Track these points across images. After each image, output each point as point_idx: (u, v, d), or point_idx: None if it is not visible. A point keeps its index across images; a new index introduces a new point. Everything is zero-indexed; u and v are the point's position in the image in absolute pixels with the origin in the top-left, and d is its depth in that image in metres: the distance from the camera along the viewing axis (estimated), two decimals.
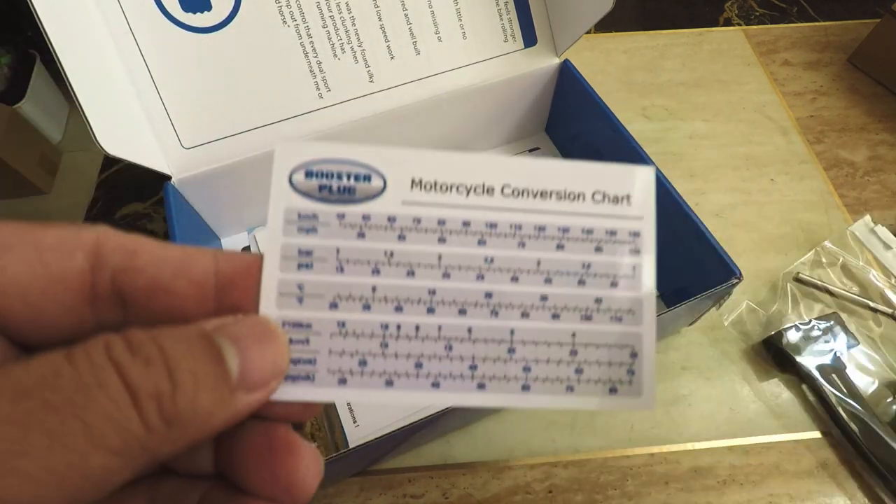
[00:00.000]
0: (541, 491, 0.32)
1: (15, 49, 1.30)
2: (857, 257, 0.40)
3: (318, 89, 0.34)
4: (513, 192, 0.15)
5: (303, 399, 0.14)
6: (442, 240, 0.15)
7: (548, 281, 0.15)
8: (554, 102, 0.41)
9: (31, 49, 1.32)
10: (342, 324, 0.14)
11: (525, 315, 0.15)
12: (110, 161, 0.46)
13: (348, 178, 0.15)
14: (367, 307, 0.15)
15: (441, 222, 0.15)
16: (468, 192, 0.15)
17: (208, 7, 0.30)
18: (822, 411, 0.33)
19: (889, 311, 0.37)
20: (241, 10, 0.31)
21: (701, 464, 0.33)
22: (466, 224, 0.15)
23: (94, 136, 0.25)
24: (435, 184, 0.15)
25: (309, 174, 0.15)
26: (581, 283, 0.15)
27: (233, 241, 0.39)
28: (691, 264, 0.31)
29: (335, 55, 0.33)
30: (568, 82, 0.39)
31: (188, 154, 0.32)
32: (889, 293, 0.38)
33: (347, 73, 0.34)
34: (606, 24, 0.54)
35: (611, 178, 0.16)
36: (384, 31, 0.34)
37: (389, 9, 0.33)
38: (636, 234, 0.16)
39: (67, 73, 0.24)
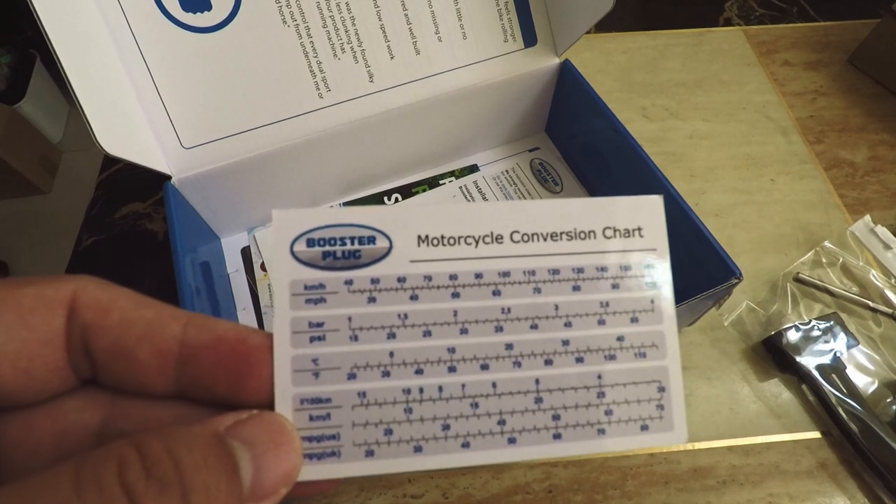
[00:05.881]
0: (541, 491, 0.32)
1: (15, 49, 1.30)
2: (856, 257, 0.40)
3: (318, 89, 0.34)
4: (522, 237, 0.15)
5: (330, 477, 0.14)
6: (455, 295, 0.15)
7: (567, 325, 0.15)
8: (554, 102, 0.41)
9: (31, 49, 1.33)
10: (363, 394, 0.14)
11: (548, 362, 0.15)
12: (110, 161, 0.46)
13: (352, 241, 0.14)
14: (386, 374, 0.14)
15: (453, 277, 0.15)
16: (477, 243, 0.15)
17: (208, 7, 0.30)
18: (822, 411, 0.33)
19: (889, 311, 0.37)
20: (241, 10, 0.31)
21: (701, 464, 0.33)
22: (479, 276, 0.15)
23: (93, 136, 0.25)
24: (442, 238, 0.15)
25: (310, 242, 0.14)
26: (601, 322, 0.15)
27: (233, 241, 0.39)
28: (691, 264, 0.31)
29: (335, 55, 0.33)
30: (568, 82, 0.39)
31: (188, 154, 0.32)
32: (889, 293, 0.38)
33: (347, 73, 0.34)
34: (606, 24, 0.54)
35: (619, 211, 0.16)
36: (384, 31, 0.34)
37: (389, 9, 0.33)
38: (651, 266, 0.16)
39: (67, 73, 0.24)
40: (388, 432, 0.14)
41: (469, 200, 0.41)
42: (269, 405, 0.14)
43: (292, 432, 0.13)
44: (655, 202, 0.16)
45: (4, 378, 0.12)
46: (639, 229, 0.16)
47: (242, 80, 0.32)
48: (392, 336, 0.14)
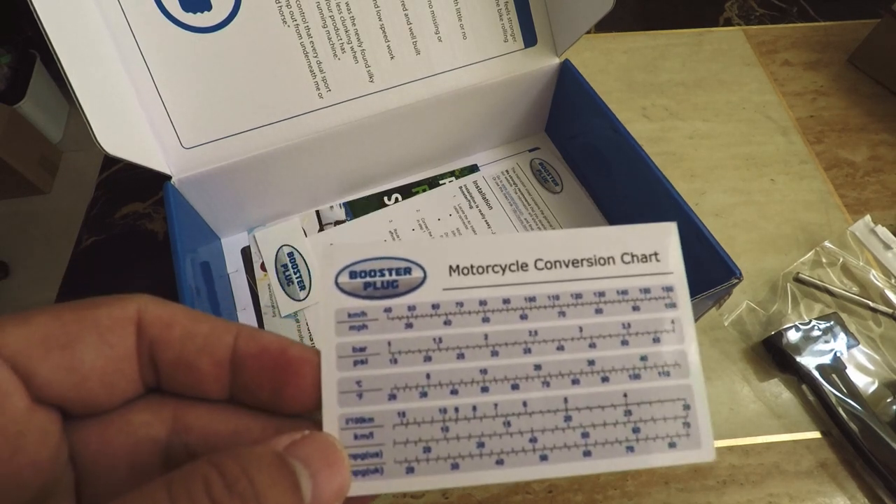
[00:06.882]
0: (541, 491, 0.32)
1: (15, 49, 1.30)
2: (857, 257, 0.40)
3: (318, 89, 0.34)
4: (546, 264, 0.16)
5: (374, 493, 0.14)
6: (486, 319, 0.16)
7: (592, 346, 0.16)
8: (554, 102, 0.41)
9: (31, 49, 1.33)
10: (402, 413, 0.15)
11: (576, 382, 0.15)
12: (110, 161, 0.46)
13: (390, 273, 0.16)
14: (423, 394, 0.15)
15: (482, 303, 0.16)
16: (504, 271, 0.16)
17: (208, 7, 0.30)
18: (822, 411, 0.33)
19: (889, 311, 0.37)
20: (241, 10, 0.31)
21: (701, 464, 0.33)
22: (507, 301, 0.16)
23: (94, 136, 0.25)
24: (471, 267, 0.16)
25: (353, 274, 0.15)
26: (624, 343, 0.16)
27: (233, 241, 0.39)
28: (691, 264, 0.31)
29: (335, 55, 0.33)
30: (568, 82, 0.39)
31: (188, 154, 0.32)
32: (889, 293, 0.38)
33: (347, 73, 0.34)
34: (606, 24, 0.54)
35: (636, 238, 0.16)
36: (384, 31, 0.34)
37: (389, 9, 0.33)
38: (669, 289, 0.16)
39: (67, 73, 0.24)
40: (427, 450, 0.15)
41: (469, 200, 0.41)
42: (308, 412, 0.15)
43: (342, 451, 0.14)
44: (670, 228, 0.17)
45: (95, 392, 0.13)
46: (655, 254, 0.16)
47: (242, 80, 0.32)
48: (428, 359, 0.15)
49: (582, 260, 0.16)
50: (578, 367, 0.15)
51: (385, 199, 0.41)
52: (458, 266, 0.16)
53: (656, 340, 0.16)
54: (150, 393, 0.15)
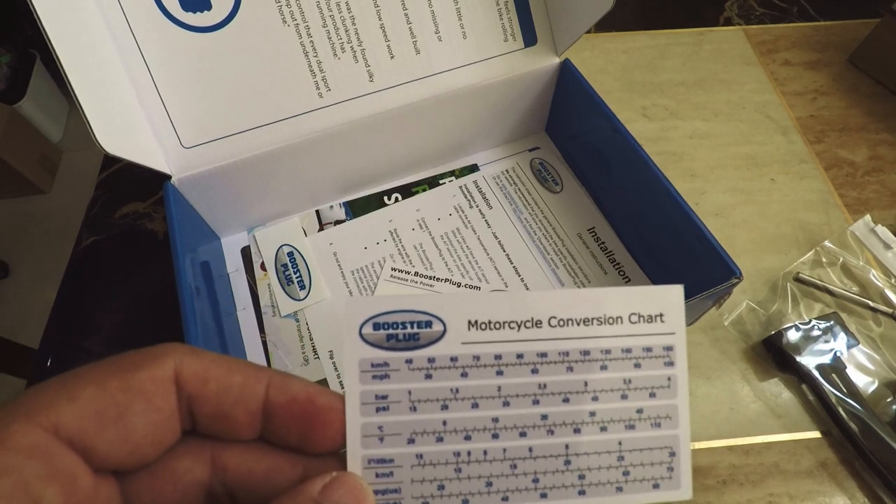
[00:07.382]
0: None
1: (15, 49, 1.30)
2: (857, 257, 0.40)
3: (318, 89, 0.34)
4: (559, 322, 0.17)
5: None
6: (500, 372, 0.17)
7: (594, 399, 0.17)
8: (554, 102, 0.41)
9: (31, 49, 1.33)
10: (420, 455, 0.16)
11: (577, 431, 0.17)
12: (110, 160, 0.46)
13: (412, 325, 0.16)
14: (440, 439, 0.16)
15: (497, 357, 0.17)
16: (519, 327, 0.17)
17: (208, 6, 0.30)
18: (822, 411, 0.33)
19: (889, 311, 0.37)
20: (241, 10, 0.31)
21: (701, 463, 0.33)
22: (520, 356, 0.17)
23: (93, 135, 0.25)
24: (489, 323, 0.17)
25: (377, 326, 0.16)
26: (624, 397, 0.17)
27: (233, 241, 0.39)
28: (691, 264, 0.31)
29: (335, 55, 0.33)
30: (568, 82, 0.39)
31: (188, 154, 0.32)
32: (889, 293, 0.38)
33: (347, 73, 0.34)
34: (606, 24, 0.54)
35: (644, 300, 0.18)
36: (384, 31, 0.34)
37: (389, 9, 0.33)
38: (669, 348, 0.18)
39: (67, 72, 0.24)
40: (441, 487, 0.16)
41: (469, 200, 0.41)
42: (331, 453, 0.16)
43: (368, 490, 0.15)
44: (676, 291, 0.18)
45: (145, 451, 0.14)
46: (660, 315, 0.17)
47: (242, 80, 0.32)
48: (445, 407, 0.16)
49: (592, 319, 0.17)
50: (581, 418, 0.17)
51: (385, 198, 0.41)
52: (476, 321, 0.17)
53: (652, 395, 0.17)
54: (186, 435, 0.16)
